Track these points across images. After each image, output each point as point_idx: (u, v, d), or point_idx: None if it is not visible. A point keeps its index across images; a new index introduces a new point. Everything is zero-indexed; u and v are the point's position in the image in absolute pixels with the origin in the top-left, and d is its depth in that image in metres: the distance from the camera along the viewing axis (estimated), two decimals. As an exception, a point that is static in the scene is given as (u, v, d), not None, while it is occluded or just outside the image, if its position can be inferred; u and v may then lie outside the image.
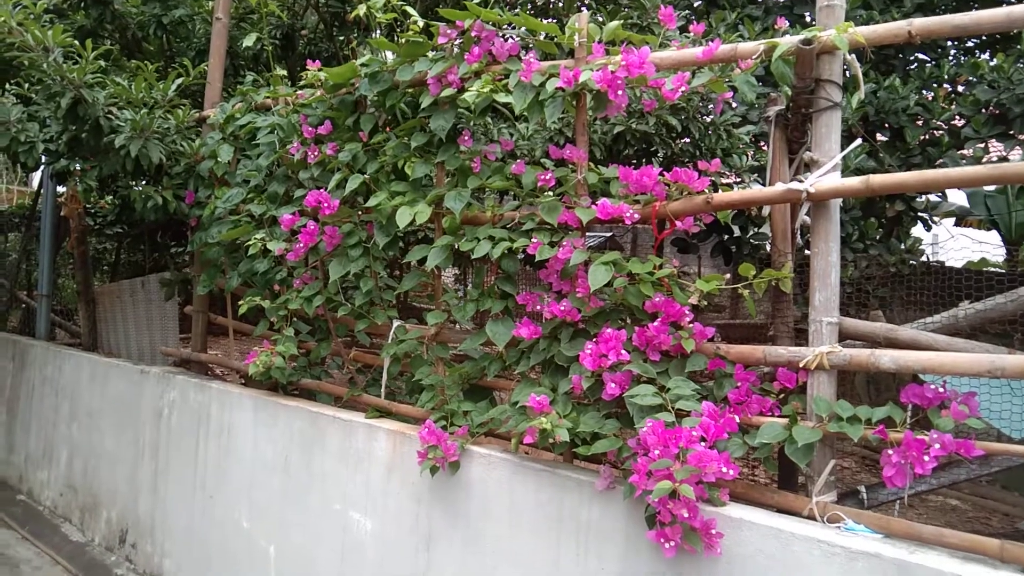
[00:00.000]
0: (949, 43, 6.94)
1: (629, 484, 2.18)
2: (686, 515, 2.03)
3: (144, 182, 5.03)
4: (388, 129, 3.25)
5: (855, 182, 2.10)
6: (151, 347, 5.53)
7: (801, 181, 2.23)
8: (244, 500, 3.86)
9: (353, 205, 3.36)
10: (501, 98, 2.69)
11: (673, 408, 2.26)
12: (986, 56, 6.28)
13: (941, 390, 2.03)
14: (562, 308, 2.64)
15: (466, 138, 2.97)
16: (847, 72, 2.36)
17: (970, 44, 8.07)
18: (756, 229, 5.89)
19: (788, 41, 2.23)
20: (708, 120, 4.88)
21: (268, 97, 3.94)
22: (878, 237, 5.89)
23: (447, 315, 3.06)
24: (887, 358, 2.04)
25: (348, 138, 3.35)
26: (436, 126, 2.90)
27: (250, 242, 3.50)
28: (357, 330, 3.44)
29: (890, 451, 1.99)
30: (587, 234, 2.78)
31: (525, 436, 2.46)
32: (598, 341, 2.47)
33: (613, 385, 2.41)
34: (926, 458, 1.94)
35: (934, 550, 1.88)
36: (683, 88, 2.41)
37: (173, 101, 4.29)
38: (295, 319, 3.74)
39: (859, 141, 2.30)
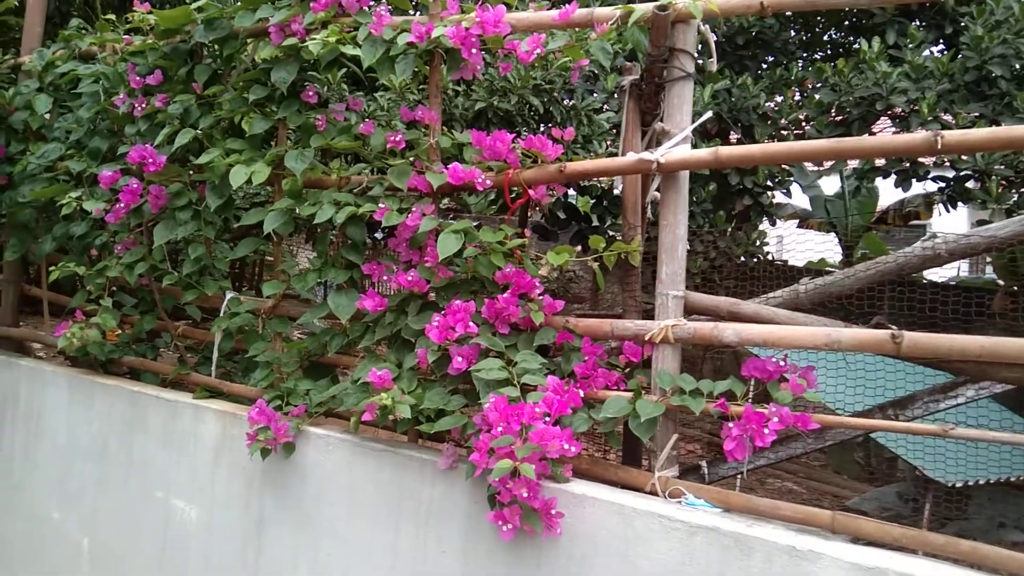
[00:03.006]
0: (797, 49, 7.31)
1: (470, 463, 2.07)
2: (525, 495, 1.94)
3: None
4: (226, 82, 2.98)
5: (704, 154, 2.08)
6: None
7: (652, 152, 2.18)
8: (55, 489, 3.48)
9: (183, 163, 3.05)
10: (349, 51, 2.51)
11: (519, 383, 2.16)
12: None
13: (781, 364, 2.04)
14: (410, 279, 2.49)
15: (310, 93, 2.75)
16: (702, 63, 2.35)
17: (818, 55, 8.56)
18: (614, 219, 5.98)
19: (644, 7, 2.19)
20: (570, 105, 4.87)
21: (94, 44, 3.54)
22: (727, 230, 6.12)
23: (286, 285, 2.84)
24: (730, 331, 2.03)
25: (180, 90, 3.05)
26: (277, 78, 2.67)
27: (64, 201, 3.12)
28: (184, 301, 3.14)
29: (731, 424, 1.97)
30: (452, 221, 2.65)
31: (364, 413, 2.31)
32: (446, 313, 2.34)
33: (460, 359, 2.28)
34: (766, 431, 1.94)
35: (770, 523, 1.89)
36: (539, 50, 2.32)
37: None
38: (117, 290, 3.39)
39: (709, 113, 2.29)
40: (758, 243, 6.50)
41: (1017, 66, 5.00)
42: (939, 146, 1.80)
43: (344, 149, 2.75)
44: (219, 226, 3.06)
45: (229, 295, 3.02)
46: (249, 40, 2.92)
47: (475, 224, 2.46)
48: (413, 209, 2.47)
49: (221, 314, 3.01)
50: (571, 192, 6.59)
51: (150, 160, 2.92)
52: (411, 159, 2.61)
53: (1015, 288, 7.63)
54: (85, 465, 3.33)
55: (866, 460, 6.12)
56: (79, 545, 3.34)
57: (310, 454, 2.61)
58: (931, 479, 3.09)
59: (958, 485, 3.11)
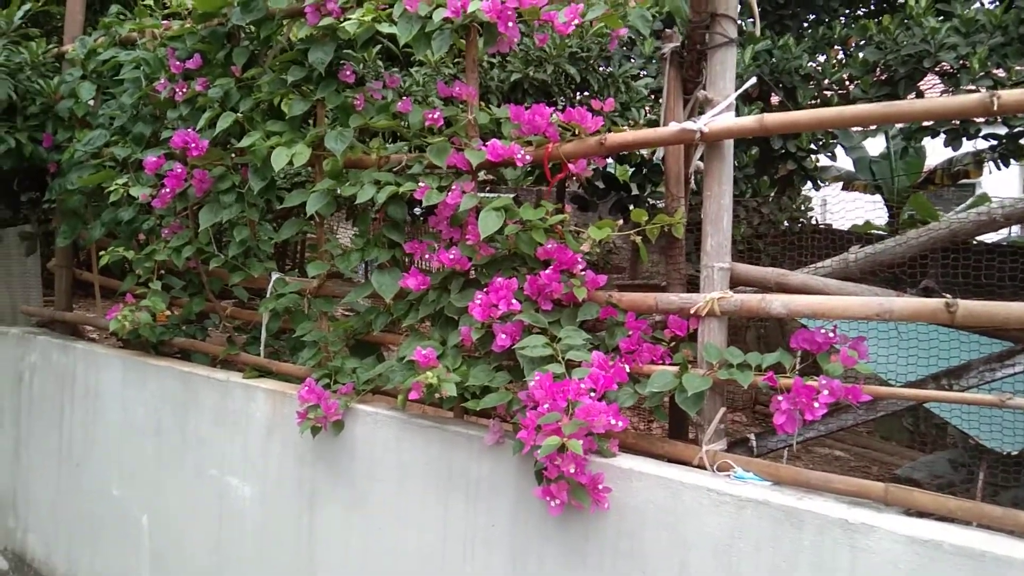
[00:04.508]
0: (840, 6, 7.09)
1: (518, 440, 2.08)
2: (573, 471, 1.94)
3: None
4: (264, 63, 2.99)
5: (749, 121, 2.03)
6: (12, 307, 5.07)
7: (695, 121, 2.14)
8: (114, 468, 3.59)
9: (225, 146, 3.09)
10: (385, 29, 2.49)
11: (564, 359, 2.16)
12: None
13: (831, 335, 2.00)
14: (451, 257, 2.49)
15: (348, 73, 2.75)
16: (743, 25, 2.29)
17: (861, 12, 8.30)
18: (654, 187, 5.90)
19: (684, -27, 2.13)
20: (607, 72, 4.80)
21: (133, 30, 3.59)
22: (770, 196, 6.01)
23: (330, 265, 2.87)
24: (778, 303, 2.00)
25: (220, 73, 3.07)
26: (314, 59, 2.68)
27: (111, 188, 3.18)
28: (231, 283, 3.19)
29: (780, 397, 1.95)
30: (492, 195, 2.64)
31: (411, 392, 2.33)
32: (488, 291, 2.34)
33: (503, 336, 2.29)
34: (815, 404, 1.91)
35: (821, 496, 1.87)
36: (576, 21, 2.28)
37: (22, 31, 3.86)
38: (166, 273, 3.46)
39: (753, 80, 2.24)
40: (803, 208, 6.37)
41: (1075, 16, 4.79)
42: (995, 107, 1.73)
43: (383, 128, 2.75)
44: (262, 208, 3.10)
45: (275, 276, 3.06)
46: (285, 21, 2.93)
47: (513, 197, 2.45)
48: (453, 187, 2.46)
49: (268, 295, 3.06)
50: (610, 160, 6.52)
51: (193, 144, 2.95)
52: (449, 136, 2.60)
53: (1072, 247, 7.38)
54: (142, 444, 3.43)
55: (915, 426, 6.02)
56: (139, 521, 3.45)
57: (359, 431, 2.65)
58: (985, 448, 3.03)
59: (1013, 453, 3.04)
